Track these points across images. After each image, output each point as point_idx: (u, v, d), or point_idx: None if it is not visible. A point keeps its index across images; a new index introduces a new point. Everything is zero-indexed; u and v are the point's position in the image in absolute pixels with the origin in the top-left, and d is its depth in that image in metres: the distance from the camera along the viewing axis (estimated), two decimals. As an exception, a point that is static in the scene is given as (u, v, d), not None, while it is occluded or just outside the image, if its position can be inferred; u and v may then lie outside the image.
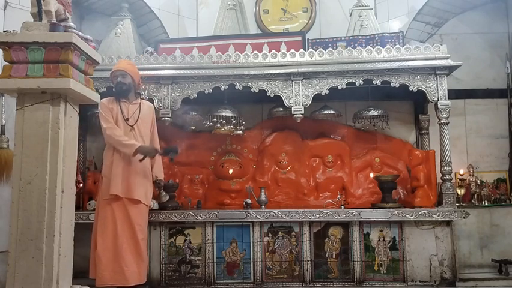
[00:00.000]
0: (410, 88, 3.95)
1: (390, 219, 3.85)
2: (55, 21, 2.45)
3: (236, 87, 4.05)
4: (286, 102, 4.04)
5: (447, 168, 3.90)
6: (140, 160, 3.43)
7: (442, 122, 3.92)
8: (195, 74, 4.05)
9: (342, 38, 4.55)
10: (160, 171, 3.78)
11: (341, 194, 4.40)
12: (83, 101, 2.66)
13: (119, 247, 3.36)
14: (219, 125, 4.19)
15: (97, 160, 4.57)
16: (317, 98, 4.05)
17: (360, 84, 3.99)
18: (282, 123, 4.57)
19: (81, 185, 3.95)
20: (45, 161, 2.36)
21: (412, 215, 3.81)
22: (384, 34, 4.45)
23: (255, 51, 4.09)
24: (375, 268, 3.94)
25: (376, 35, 4.44)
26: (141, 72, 3.77)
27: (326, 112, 4.37)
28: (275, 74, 4.02)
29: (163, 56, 4.13)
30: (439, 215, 3.79)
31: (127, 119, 3.55)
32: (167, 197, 4.01)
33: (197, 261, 4.00)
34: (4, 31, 2.38)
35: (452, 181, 3.92)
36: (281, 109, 4.34)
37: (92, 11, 5.03)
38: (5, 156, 3.42)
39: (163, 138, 4.00)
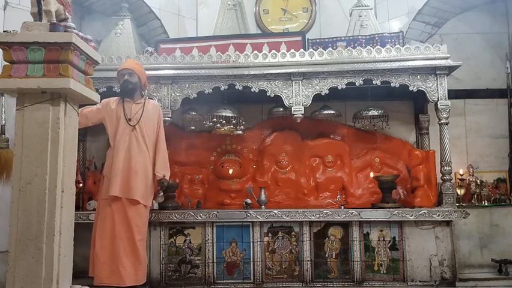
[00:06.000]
0: (410, 88, 3.95)
1: (390, 219, 3.85)
2: (55, 21, 2.45)
3: (236, 87, 4.05)
4: (286, 102, 4.04)
5: (447, 168, 3.90)
6: None
7: (442, 122, 3.92)
8: (195, 74, 4.05)
9: (342, 38, 4.55)
10: (162, 168, 3.61)
11: (341, 194, 4.40)
12: (83, 101, 2.66)
13: (116, 248, 3.37)
14: (219, 125, 4.19)
15: (97, 160, 4.57)
16: (317, 98, 4.05)
17: (360, 84, 3.99)
18: (282, 123, 4.57)
19: (81, 185, 3.93)
20: (45, 161, 2.35)
21: (412, 215, 3.81)
22: (384, 34, 4.45)
23: (255, 51, 4.09)
24: (375, 268, 3.94)
25: (376, 35, 4.44)
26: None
27: (326, 112, 4.37)
28: (275, 74, 4.02)
29: (163, 56, 4.13)
30: (439, 215, 3.79)
31: (129, 119, 3.55)
32: (163, 198, 3.85)
33: (197, 261, 4.00)
34: (4, 31, 2.38)
35: (452, 181, 3.92)
36: (281, 109, 4.34)
37: (92, 11, 5.03)
38: (5, 156, 3.42)
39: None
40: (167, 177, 3.65)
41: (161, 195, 3.80)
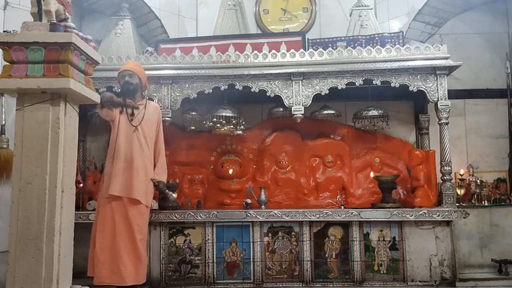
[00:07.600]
0: (410, 88, 3.95)
1: (390, 219, 3.85)
2: (55, 21, 2.46)
3: (236, 87, 4.05)
4: (286, 102, 4.04)
5: (447, 168, 3.90)
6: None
7: (442, 122, 3.92)
8: (195, 74, 4.05)
9: (342, 38, 4.55)
10: (161, 171, 3.70)
11: (341, 194, 4.40)
12: (83, 101, 2.67)
13: (117, 247, 3.36)
14: (219, 125, 4.19)
15: (97, 160, 4.57)
16: (317, 98, 4.05)
17: (360, 84, 3.98)
18: (282, 123, 4.57)
19: (81, 185, 3.95)
20: (45, 161, 2.36)
21: (412, 215, 3.81)
22: (384, 34, 4.45)
23: (255, 51, 4.09)
24: (375, 268, 3.94)
25: (376, 35, 4.44)
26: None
27: (326, 112, 4.37)
28: (275, 74, 4.02)
29: (163, 56, 4.13)
30: (439, 215, 3.79)
31: (131, 120, 3.56)
32: (174, 196, 3.97)
33: (197, 261, 4.00)
34: (4, 31, 2.38)
35: (452, 181, 3.92)
36: (281, 109, 4.34)
37: (92, 11, 5.03)
38: (5, 156, 3.42)
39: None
40: (164, 181, 3.73)
41: (171, 194, 3.95)
